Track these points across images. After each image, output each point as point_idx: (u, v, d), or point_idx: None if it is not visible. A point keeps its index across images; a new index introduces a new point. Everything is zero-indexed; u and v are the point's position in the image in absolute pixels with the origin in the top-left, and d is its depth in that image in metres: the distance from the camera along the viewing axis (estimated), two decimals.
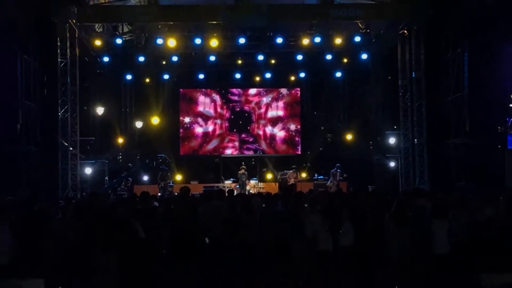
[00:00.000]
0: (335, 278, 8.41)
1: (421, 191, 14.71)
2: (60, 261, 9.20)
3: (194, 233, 10.13)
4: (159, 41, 22.97)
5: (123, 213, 10.60)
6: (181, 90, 28.70)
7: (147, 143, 27.97)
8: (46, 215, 11.23)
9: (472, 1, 20.24)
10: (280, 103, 28.84)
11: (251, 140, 28.70)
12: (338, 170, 24.24)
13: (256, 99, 28.80)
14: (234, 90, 28.83)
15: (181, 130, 28.69)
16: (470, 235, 9.98)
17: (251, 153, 28.61)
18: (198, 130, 28.68)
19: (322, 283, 8.29)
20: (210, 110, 28.73)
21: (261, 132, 28.71)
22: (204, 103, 28.73)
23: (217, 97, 28.71)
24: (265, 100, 28.78)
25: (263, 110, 28.75)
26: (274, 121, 28.76)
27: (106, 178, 24.60)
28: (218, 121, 28.69)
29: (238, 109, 28.75)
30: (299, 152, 28.64)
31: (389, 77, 24.78)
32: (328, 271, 9.04)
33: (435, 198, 12.90)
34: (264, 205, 12.48)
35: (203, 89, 28.71)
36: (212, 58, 25.21)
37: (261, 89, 28.87)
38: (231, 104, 28.80)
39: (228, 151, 28.64)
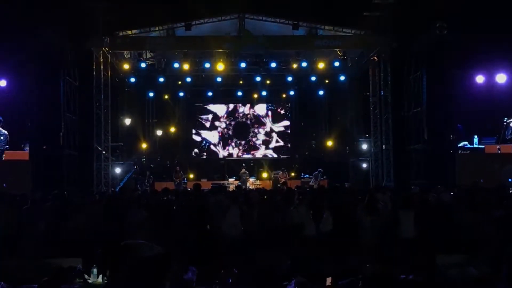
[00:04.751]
0: (317, 257, 8.40)
1: (381, 187, 14.71)
2: (94, 242, 9.21)
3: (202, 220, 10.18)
4: (176, 65, 23.03)
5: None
6: (194, 105, 28.67)
7: (165, 148, 27.98)
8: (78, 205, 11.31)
9: (427, 34, 20.34)
10: (274, 116, 28.87)
11: (250, 146, 28.70)
12: (320, 173, 24.32)
13: (254, 113, 28.81)
14: (236, 105, 28.80)
15: (193, 137, 28.70)
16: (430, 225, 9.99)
17: (250, 156, 28.59)
18: (207, 137, 28.69)
19: (307, 262, 8.28)
20: (217, 121, 28.74)
21: (258, 139, 28.72)
22: (212, 116, 28.74)
23: (222, 111, 28.72)
24: (262, 113, 28.80)
25: (260, 121, 28.77)
26: (269, 131, 28.77)
27: (133, 176, 24.64)
28: (223, 130, 28.70)
29: (239, 121, 28.75)
30: (289, 156, 28.65)
31: (363, 95, 24.74)
32: (312, 252, 9.04)
33: (397, 192, 12.91)
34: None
35: (211, 104, 28.69)
36: (219, 79, 25.30)
37: (258, 105, 28.86)
38: (234, 117, 28.80)
39: (232, 155, 28.64)
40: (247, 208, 10.74)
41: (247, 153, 28.63)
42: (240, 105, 28.78)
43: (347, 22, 21.86)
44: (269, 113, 28.81)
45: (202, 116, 28.74)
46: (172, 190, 16.74)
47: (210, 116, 28.74)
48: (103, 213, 10.64)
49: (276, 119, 28.85)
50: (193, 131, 28.68)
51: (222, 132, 28.71)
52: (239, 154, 28.64)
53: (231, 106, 28.78)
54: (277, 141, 28.77)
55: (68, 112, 20.55)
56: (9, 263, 7.95)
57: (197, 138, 28.71)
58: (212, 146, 28.65)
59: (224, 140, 28.69)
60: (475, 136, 20.15)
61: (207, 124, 28.74)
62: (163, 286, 6.38)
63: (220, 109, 28.73)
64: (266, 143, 28.77)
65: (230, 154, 28.62)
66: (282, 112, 28.95)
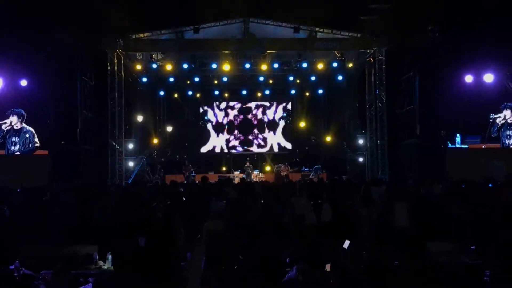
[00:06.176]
0: (318, 245, 8.41)
1: (377, 180, 14.68)
2: (109, 231, 9.23)
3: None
4: (185, 66, 23.04)
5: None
6: (201, 104, 28.63)
7: (175, 143, 27.98)
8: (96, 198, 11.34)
9: (420, 37, 20.35)
10: (276, 113, 28.80)
11: (254, 141, 28.65)
12: (319, 169, 24.33)
13: (258, 110, 28.75)
14: (241, 103, 28.72)
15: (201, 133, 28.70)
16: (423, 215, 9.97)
17: (254, 150, 28.53)
18: (214, 132, 28.67)
19: (307, 250, 8.29)
20: (223, 118, 28.70)
21: (262, 135, 28.68)
22: (219, 113, 28.70)
23: (228, 108, 28.67)
24: (265, 110, 28.73)
25: (263, 118, 28.71)
26: (272, 127, 28.72)
27: (145, 169, 24.71)
28: (229, 126, 28.66)
29: (244, 117, 28.71)
30: (290, 150, 28.60)
31: (359, 93, 24.67)
32: (312, 241, 9.05)
33: (391, 185, 12.92)
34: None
35: (218, 102, 28.64)
36: (225, 78, 25.27)
37: (262, 103, 28.77)
38: (239, 113, 28.74)
39: (237, 149, 28.58)
40: (252, 199, 10.74)
41: (242, 147, 28.53)
42: (245, 103, 28.61)
43: (345, 26, 21.81)
44: (272, 111, 28.66)
45: (209, 113, 28.69)
46: (180, 182, 16.85)
47: (217, 113, 28.68)
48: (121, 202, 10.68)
49: (278, 116, 28.71)
50: (200, 126, 28.63)
51: (228, 128, 28.60)
52: (236, 145, 28.58)
53: (237, 103, 28.65)
54: (279, 137, 28.67)
55: (84, 110, 20.63)
56: (30, 251, 7.99)
57: (205, 134, 28.65)
58: (219, 140, 28.56)
59: (230, 135, 28.58)
60: (457, 135, 20.11)
61: (215, 121, 28.69)
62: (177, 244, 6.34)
63: (226, 106, 28.64)
64: (268, 138, 28.70)
65: (228, 140, 28.55)
66: (284, 109, 28.76)
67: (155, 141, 27.25)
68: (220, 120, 28.67)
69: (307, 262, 7.15)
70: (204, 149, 28.48)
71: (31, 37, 17.61)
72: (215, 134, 28.63)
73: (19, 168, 17.63)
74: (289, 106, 28.87)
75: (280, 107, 28.77)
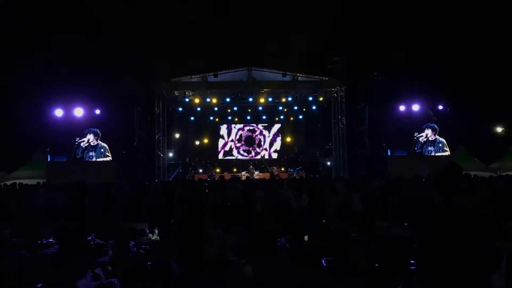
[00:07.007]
0: (299, 222, 8.45)
1: (340, 177, 14.70)
2: (156, 213, 9.26)
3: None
4: (208, 99, 23.16)
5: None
6: (220, 126, 28.64)
7: (201, 152, 27.99)
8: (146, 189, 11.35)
9: (368, 79, 20.57)
10: (270, 132, 28.77)
11: (255, 151, 28.61)
12: (300, 169, 24.32)
13: (257, 130, 28.72)
14: (246, 124, 28.68)
15: (219, 145, 28.65)
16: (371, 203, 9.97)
17: (255, 157, 28.48)
18: (228, 145, 28.63)
19: (292, 225, 8.32)
20: (234, 135, 28.67)
21: (260, 147, 28.64)
22: (231, 131, 28.67)
23: (237, 128, 28.64)
24: (263, 131, 28.71)
25: (261, 135, 28.68)
26: (269, 144, 28.67)
27: (180, 171, 24.74)
28: (238, 140, 28.61)
29: (248, 135, 28.67)
30: (279, 158, 28.54)
31: (327, 118, 24.73)
32: (295, 219, 9.08)
33: (349, 180, 12.92)
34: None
35: (231, 124, 28.64)
36: (235, 108, 25.36)
37: (264, 130, 28.69)
38: (244, 132, 28.69)
39: (240, 153, 28.52)
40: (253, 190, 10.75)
41: (244, 152, 28.38)
42: (249, 124, 28.57)
43: (317, 72, 22.11)
44: (267, 130, 28.60)
45: (225, 132, 28.65)
46: (205, 179, 16.85)
47: (230, 131, 28.64)
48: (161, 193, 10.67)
49: (271, 134, 28.65)
50: (219, 141, 28.58)
51: (237, 141, 28.52)
52: (240, 151, 28.41)
53: (243, 125, 28.60)
54: (272, 148, 28.59)
55: (139, 130, 20.77)
56: (102, 227, 8.03)
57: (222, 146, 28.62)
58: (231, 150, 28.47)
59: (239, 146, 28.49)
60: (388, 150, 20.20)
61: (227, 132, 28.65)
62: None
63: (236, 126, 28.58)
64: (264, 149, 28.63)
65: (238, 148, 28.30)
66: (275, 130, 28.69)
67: (187, 151, 27.28)
68: (232, 129, 28.52)
69: (292, 234, 7.19)
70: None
71: (103, 81, 17.86)
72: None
73: (94, 170, 17.73)
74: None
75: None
